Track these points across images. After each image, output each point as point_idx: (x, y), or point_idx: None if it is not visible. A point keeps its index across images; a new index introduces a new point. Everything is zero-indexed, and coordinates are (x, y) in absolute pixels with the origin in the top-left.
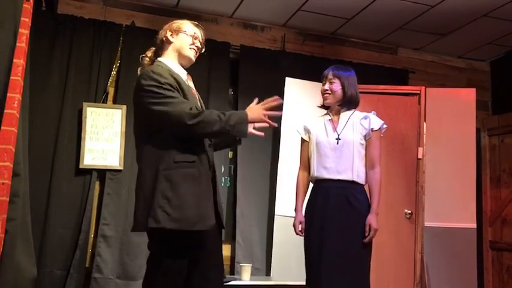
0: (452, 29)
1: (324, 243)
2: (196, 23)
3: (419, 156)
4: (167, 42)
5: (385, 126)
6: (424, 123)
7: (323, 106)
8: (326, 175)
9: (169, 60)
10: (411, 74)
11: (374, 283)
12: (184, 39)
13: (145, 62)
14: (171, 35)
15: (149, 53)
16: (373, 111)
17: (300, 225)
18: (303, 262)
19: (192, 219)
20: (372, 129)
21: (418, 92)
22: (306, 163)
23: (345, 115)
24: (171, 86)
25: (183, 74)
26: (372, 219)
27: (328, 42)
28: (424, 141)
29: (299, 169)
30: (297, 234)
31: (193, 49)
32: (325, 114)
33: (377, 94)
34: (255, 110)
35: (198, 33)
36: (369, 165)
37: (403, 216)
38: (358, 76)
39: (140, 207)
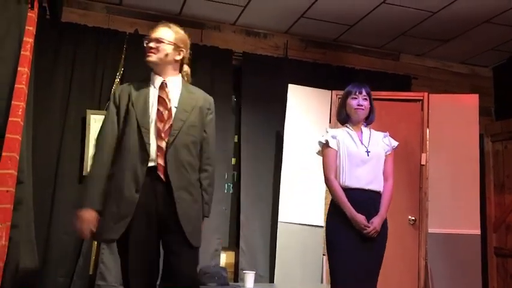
0: (454, 35)
1: (354, 246)
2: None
3: (423, 162)
4: None
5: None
6: (427, 130)
7: (347, 119)
8: (357, 184)
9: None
10: (414, 80)
11: None
12: None
13: None
14: None
15: None
16: (386, 132)
17: (364, 220)
18: (306, 269)
19: (98, 232)
20: (393, 146)
21: (421, 98)
22: (336, 171)
23: (365, 131)
24: (114, 104)
25: (157, 83)
26: (375, 220)
27: (330, 48)
28: (428, 147)
29: (332, 176)
30: (365, 227)
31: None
32: (344, 127)
33: (380, 100)
34: (85, 219)
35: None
36: (385, 177)
37: (406, 223)
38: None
39: None
